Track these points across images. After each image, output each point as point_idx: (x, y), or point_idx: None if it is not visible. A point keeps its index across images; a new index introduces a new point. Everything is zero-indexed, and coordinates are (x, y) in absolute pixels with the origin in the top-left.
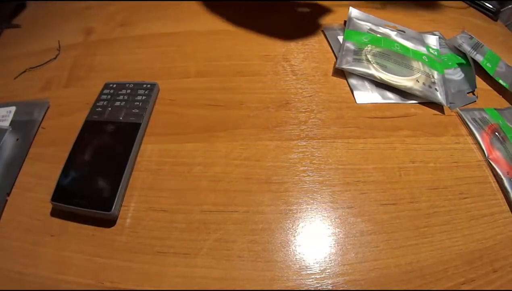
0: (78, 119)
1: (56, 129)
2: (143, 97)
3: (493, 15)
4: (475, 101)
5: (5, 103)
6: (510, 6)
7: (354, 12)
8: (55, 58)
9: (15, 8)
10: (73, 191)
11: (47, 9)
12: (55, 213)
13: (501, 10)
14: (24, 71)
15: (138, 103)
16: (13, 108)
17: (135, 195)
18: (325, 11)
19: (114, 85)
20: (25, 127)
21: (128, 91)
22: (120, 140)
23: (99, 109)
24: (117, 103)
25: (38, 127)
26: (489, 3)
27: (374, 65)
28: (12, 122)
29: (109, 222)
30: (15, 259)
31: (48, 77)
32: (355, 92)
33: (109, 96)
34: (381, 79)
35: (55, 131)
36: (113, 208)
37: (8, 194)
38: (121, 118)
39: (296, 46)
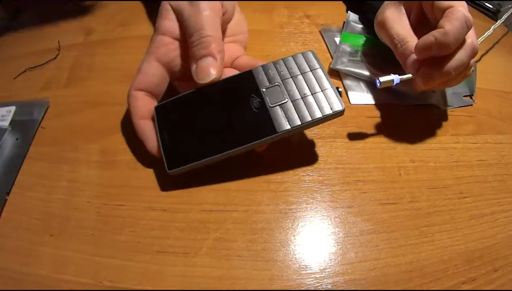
0: (78, 119)
1: (56, 129)
2: None
3: (493, 15)
4: (472, 105)
5: (5, 103)
6: (510, 6)
7: (352, 16)
8: (55, 58)
9: (15, 9)
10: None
11: (47, 9)
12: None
13: (501, 10)
14: (24, 71)
15: None
16: (13, 108)
17: (134, 194)
18: (325, 10)
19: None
20: (25, 127)
21: None
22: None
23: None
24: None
25: (38, 127)
26: (489, 3)
27: (370, 66)
28: (12, 122)
29: (110, 221)
30: (14, 258)
31: (48, 77)
32: (349, 93)
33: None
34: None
35: (55, 131)
36: None
37: (8, 194)
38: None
39: (296, 46)
